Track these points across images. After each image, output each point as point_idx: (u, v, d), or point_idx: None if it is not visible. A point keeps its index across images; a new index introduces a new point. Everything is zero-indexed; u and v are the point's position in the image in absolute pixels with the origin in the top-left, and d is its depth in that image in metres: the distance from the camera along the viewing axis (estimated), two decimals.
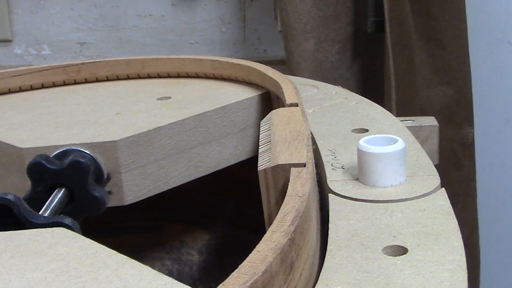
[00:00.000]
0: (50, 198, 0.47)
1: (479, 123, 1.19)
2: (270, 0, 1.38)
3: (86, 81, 0.72)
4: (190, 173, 0.56)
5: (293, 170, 0.38)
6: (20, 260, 0.32)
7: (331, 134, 0.54)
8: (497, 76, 1.28)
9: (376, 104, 0.62)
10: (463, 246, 0.35)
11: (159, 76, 0.71)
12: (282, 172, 0.38)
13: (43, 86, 0.70)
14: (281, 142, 0.42)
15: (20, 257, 0.32)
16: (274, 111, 0.51)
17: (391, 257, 0.34)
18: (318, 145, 0.51)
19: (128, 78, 0.72)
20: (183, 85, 0.67)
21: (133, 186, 0.52)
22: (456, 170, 1.15)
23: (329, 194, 0.42)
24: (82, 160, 0.48)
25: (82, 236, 0.35)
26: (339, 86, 0.69)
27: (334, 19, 1.15)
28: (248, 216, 0.76)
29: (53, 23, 1.45)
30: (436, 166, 0.46)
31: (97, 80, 0.72)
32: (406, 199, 0.41)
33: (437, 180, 0.43)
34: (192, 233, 0.79)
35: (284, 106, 0.52)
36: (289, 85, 0.56)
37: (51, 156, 0.49)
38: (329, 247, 0.36)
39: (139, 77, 0.72)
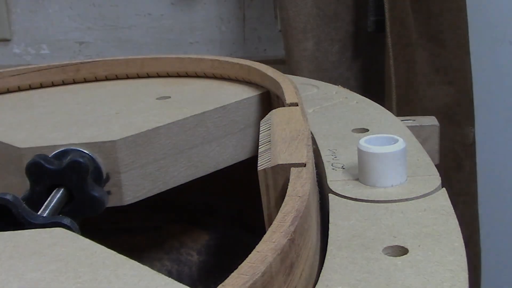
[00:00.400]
0: (49, 198, 0.47)
1: (480, 122, 1.19)
2: None
3: (85, 81, 0.71)
4: (189, 173, 0.56)
5: (293, 170, 0.37)
6: (19, 260, 0.32)
7: (331, 134, 0.53)
8: (498, 76, 1.27)
9: (377, 104, 0.62)
10: (464, 246, 0.35)
11: (158, 76, 0.71)
12: (282, 172, 0.38)
13: (41, 86, 0.70)
14: (281, 142, 0.42)
15: (19, 258, 0.32)
16: (274, 110, 0.50)
17: (392, 257, 0.34)
18: (318, 145, 0.51)
19: (127, 77, 0.72)
20: (183, 85, 0.67)
21: (132, 186, 0.52)
22: (457, 170, 1.14)
23: (329, 194, 0.42)
24: (81, 160, 0.48)
25: (81, 237, 0.34)
26: (339, 85, 0.69)
27: (334, 18, 1.15)
28: (248, 216, 0.76)
29: (52, 22, 1.45)
30: (436, 166, 0.46)
31: (96, 80, 0.72)
32: (406, 199, 0.41)
33: (437, 180, 0.43)
34: (191, 234, 0.79)
35: (284, 106, 0.52)
36: (289, 85, 0.56)
37: (50, 156, 0.49)
38: (329, 247, 0.35)
39: (138, 76, 0.72)
